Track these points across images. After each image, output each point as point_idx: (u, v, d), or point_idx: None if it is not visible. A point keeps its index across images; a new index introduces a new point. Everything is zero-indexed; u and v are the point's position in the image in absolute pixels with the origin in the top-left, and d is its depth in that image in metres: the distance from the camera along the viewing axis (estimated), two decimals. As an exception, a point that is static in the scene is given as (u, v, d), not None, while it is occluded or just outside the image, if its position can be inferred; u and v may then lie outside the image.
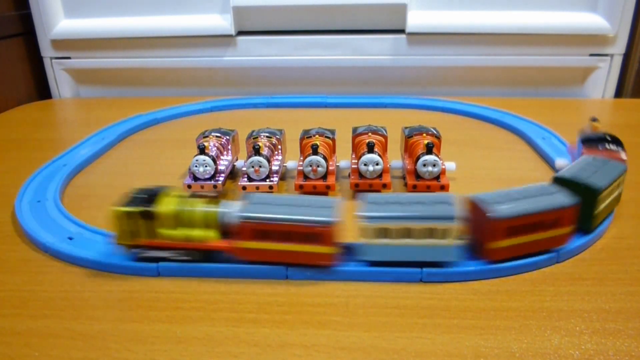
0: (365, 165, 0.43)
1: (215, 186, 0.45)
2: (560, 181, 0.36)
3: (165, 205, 0.33)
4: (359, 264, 0.33)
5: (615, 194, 0.39)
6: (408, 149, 0.47)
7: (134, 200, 0.33)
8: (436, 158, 0.43)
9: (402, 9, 0.75)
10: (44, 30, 0.80)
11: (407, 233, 0.32)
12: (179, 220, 0.33)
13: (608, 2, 0.73)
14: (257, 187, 0.45)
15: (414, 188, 0.43)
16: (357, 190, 0.45)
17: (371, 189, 0.45)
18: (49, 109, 0.79)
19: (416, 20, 0.75)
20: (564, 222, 0.33)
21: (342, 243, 0.33)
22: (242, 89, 0.83)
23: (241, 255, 0.33)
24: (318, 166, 0.44)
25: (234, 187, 0.47)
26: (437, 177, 0.43)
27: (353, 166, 0.45)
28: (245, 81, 0.83)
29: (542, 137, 0.57)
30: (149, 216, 0.32)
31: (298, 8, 0.78)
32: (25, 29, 0.82)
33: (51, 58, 0.84)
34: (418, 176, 0.43)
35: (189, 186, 0.45)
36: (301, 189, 0.44)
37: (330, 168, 0.45)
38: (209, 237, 0.33)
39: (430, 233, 0.32)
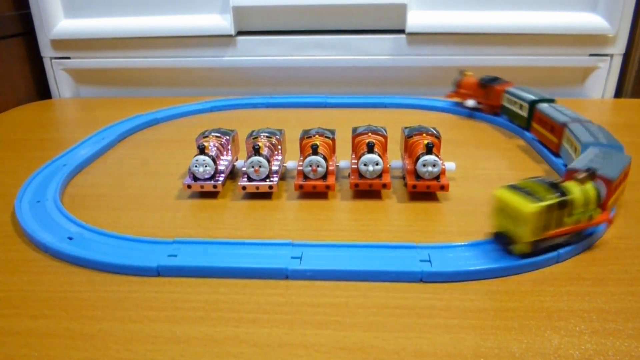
0: (365, 165, 0.43)
1: (215, 186, 0.45)
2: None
3: (573, 192, 0.33)
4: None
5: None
6: (408, 149, 0.47)
7: (531, 194, 0.32)
8: (436, 158, 0.43)
9: (402, 9, 0.75)
10: (44, 30, 0.80)
11: None
12: (575, 205, 0.33)
13: (608, 2, 0.73)
14: (257, 187, 0.45)
15: (414, 188, 0.43)
16: (357, 190, 0.45)
17: (371, 189, 0.45)
18: (49, 109, 0.79)
19: (416, 20, 0.75)
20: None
21: None
22: (242, 89, 0.83)
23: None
24: (318, 166, 0.44)
25: (235, 187, 0.47)
26: (437, 177, 0.43)
27: (353, 166, 0.45)
28: (245, 81, 0.83)
29: (542, 137, 0.57)
30: (563, 205, 0.33)
31: (298, 8, 0.78)
32: (25, 29, 0.82)
33: (51, 58, 0.84)
34: (418, 176, 0.43)
35: (189, 186, 0.45)
36: (301, 189, 0.44)
37: (330, 168, 0.45)
38: (598, 213, 0.35)
39: None
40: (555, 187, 0.33)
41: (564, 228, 0.34)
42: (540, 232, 0.33)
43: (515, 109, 0.60)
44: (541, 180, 0.34)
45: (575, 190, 0.34)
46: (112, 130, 0.63)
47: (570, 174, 0.36)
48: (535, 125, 0.57)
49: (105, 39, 0.81)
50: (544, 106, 0.56)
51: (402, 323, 0.29)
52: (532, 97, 0.58)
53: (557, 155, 0.51)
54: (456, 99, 0.70)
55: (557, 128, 0.51)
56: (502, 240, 0.35)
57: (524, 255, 0.34)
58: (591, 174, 0.35)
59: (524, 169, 0.51)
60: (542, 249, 0.34)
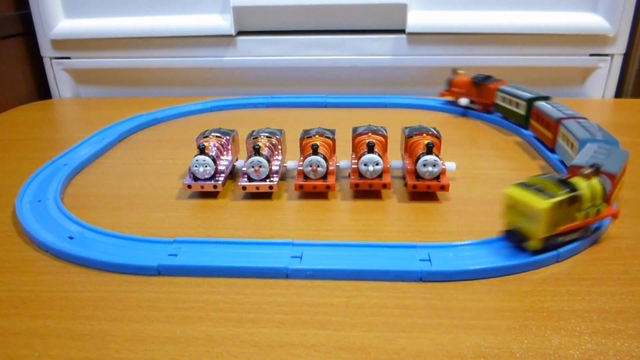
0: (365, 165, 0.43)
1: (215, 186, 0.45)
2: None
3: (582, 188, 0.34)
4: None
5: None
6: (408, 149, 0.47)
7: (541, 190, 0.33)
8: (436, 158, 0.43)
9: (402, 9, 0.75)
10: (44, 30, 0.80)
11: None
12: (584, 200, 0.34)
13: (608, 2, 0.73)
14: (257, 187, 0.45)
15: (414, 188, 0.43)
16: (357, 190, 0.45)
17: (371, 189, 0.45)
18: (49, 109, 0.79)
19: (416, 20, 0.75)
20: None
21: None
22: (242, 89, 0.83)
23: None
24: (318, 166, 0.44)
25: (235, 187, 0.47)
26: (437, 177, 0.43)
27: (353, 166, 0.45)
28: (245, 81, 0.83)
29: (542, 137, 0.57)
30: (574, 201, 0.33)
31: (298, 8, 0.78)
32: (25, 29, 0.82)
33: (51, 58, 0.84)
34: (418, 176, 0.43)
35: (189, 186, 0.45)
36: (301, 189, 0.44)
37: (330, 168, 0.44)
38: (604, 208, 0.35)
39: None
40: (564, 183, 0.34)
41: (574, 223, 0.34)
42: (552, 228, 0.33)
43: (512, 107, 0.61)
44: (550, 177, 0.35)
45: (583, 185, 0.34)
46: (112, 130, 0.63)
47: (575, 170, 0.37)
48: (533, 122, 0.58)
49: (105, 39, 0.81)
50: (540, 103, 0.57)
51: (402, 323, 0.29)
52: (529, 95, 0.59)
53: (552, 151, 0.52)
54: (449, 98, 0.71)
55: (552, 125, 0.52)
56: (514, 238, 0.35)
57: (537, 252, 0.34)
58: (596, 170, 0.36)
59: (524, 169, 0.51)
60: (553, 245, 0.34)
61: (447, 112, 0.71)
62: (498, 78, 0.66)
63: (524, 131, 0.59)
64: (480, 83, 0.66)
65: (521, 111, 0.60)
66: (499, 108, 0.64)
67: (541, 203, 0.32)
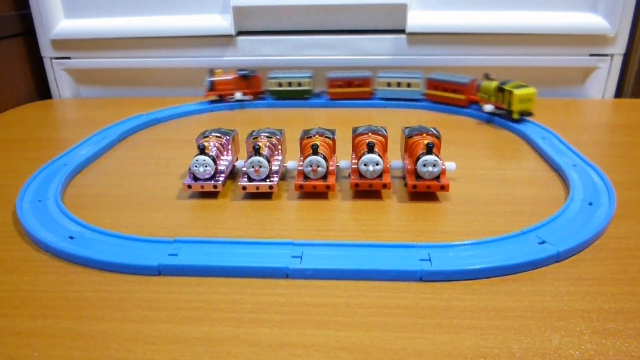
0: (365, 165, 0.43)
1: (215, 186, 0.45)
2: None
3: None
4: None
5: None
6: (408, 149, 0.47)
7: (521, 86, 0.62)
8: (436, 158, 0.43)
9: (402, 9, 0.75)
10: (44, 30, 0.80)
11: None
12: None
13: (608, 2, 0.73)
14: (257, 187, 0.45)
15: (414, 188, 0.43)
16: (357, 190, 0.45)
17: (371, 189, 0.45)
18: (49, 109, 0.79)
19: (416, 20, 0.75)
20: None
21: None
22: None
23: None
24: (318, 166, 0.44)
25: (235, 187, 0.47)
26: (437, 177, 0.43)
27: (353, 166, 0.45)
28: (245, 81, 0.83)
29: (542, 137, 0.57)
30: None
31: (298, 8, 0.78)
32: (25, 29, 0.82)
33: (51, 58, 0.84)
34: (418, 176, 0.44)
35: (189, 186, 0.45)
36: (301, 189, 0.44)
37: (330, 168, 0.45)
38: None
39: None
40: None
41: None
42: None
43: (292, 87, 0.74)
44: (509, 80, 0.63)
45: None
46: (113, 130, 0.63)
47: (473, 82, 0.68)
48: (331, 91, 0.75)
49: (105, 39, 0.81)
50: (331, 74, 0.75)
51: (402, 323, 0.29)
52: (305, 74, 0.74)
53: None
54: (213, 97, 0.75)
55: (364, 82, 0.74)
56: (523, 116, 0.61)
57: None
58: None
59: (524, 169, 0.51)
60: None
61: (447, 113, 0.71)
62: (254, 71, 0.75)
63: (524, 131, 0.59)
64: (249, 76, 0.74)
65: (306, 87, 0.74)
66: (274, 92, 0.75)
67: (533, 90, 0.61)
